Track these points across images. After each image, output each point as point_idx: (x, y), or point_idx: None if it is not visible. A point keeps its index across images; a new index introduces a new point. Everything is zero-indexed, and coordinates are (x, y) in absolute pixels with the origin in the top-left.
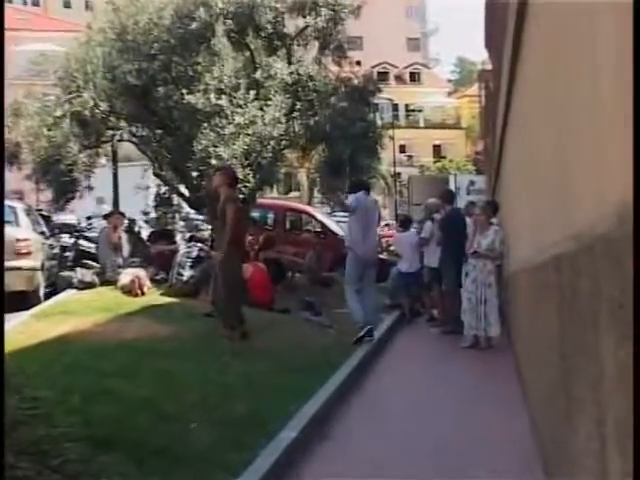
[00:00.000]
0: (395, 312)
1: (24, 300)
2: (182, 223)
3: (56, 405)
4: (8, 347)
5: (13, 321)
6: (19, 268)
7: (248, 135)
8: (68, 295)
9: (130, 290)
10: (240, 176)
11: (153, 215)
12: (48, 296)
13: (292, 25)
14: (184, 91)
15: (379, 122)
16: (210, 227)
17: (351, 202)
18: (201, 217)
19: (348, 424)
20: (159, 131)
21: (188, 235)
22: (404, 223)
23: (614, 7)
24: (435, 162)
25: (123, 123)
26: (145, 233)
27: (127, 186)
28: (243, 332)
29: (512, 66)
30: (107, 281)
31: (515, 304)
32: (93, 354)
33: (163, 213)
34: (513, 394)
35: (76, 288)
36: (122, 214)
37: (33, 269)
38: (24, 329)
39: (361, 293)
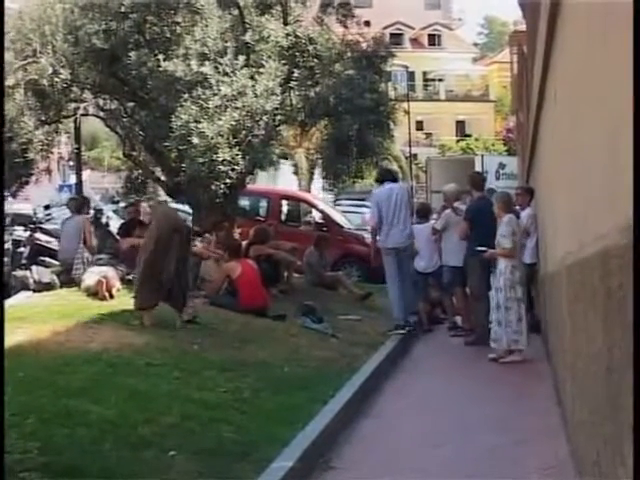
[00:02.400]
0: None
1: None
2: None
3: (9, 428)
4: None
5: None
6: (1, 267)
7: (237, 109)
8: (22, 298)
9: (96, 292)
10: (227, 157)
11: (123, 204)
12: None
13: None
14: (160, 57)
15: (392, 93)
16: (191, 217)
17: (374, 199)
18: (180, 206)
19: (354, 453)
20: (131, 104)
21: None
22: (422, 213)
23: None
24: (458, 141)
25: (88, 94)
26: (114, 225)
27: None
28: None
29: (550, 25)
30: (69, 282)
31: (551, 308)
32: (52, 369)
33: (135, 201)
34: (549, 418)
35: (32, 290)
36: (87, 200)
37: None
38: None
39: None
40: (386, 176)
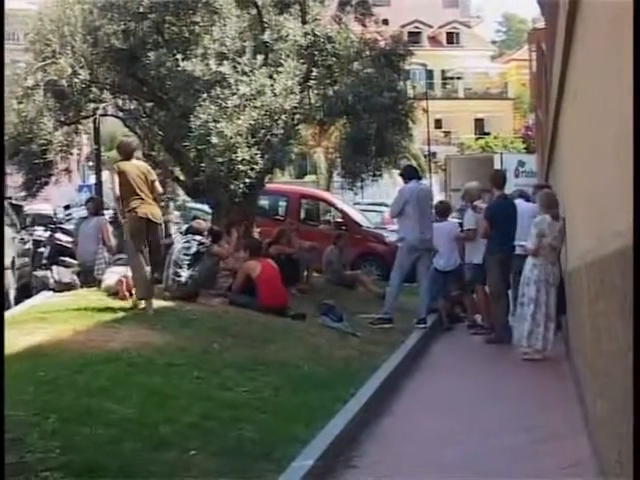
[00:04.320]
0: (430, 317)
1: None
2: (177, 213)
3: (30, 428)
4: None
5: None
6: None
7: (255, 108)
8: (43, 298)
9: (116, 292)
10: (246, 156)
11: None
12: (19, 300)
13: None
14: (179, 56)
15: (410, 92)
16: (211, 217)
17: (404, 194)
18: (200, 206)
19: (375, 452)
20: (149, 104)
21: (185, 227)
22: (442, 211)
23: None
24: (477, 139)
25: (107, 95)
26: None
27: None
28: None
29: (569, 22)
30: (89, 282)
31: (572, 306)
32: (73, 368)
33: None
34: (570, 417)
35: (53, 290)
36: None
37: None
38: None
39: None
40: (412, 173)
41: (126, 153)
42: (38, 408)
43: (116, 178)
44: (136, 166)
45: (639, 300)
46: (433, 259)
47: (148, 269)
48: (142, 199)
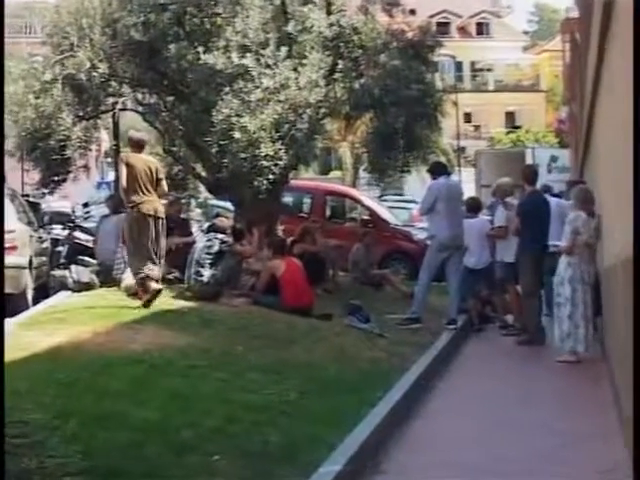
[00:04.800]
0: (460, 317)
1: (9, 305)
2: (199, 210)
3: (50, 431)
4: None
5: None
6: (2, 266)
7: (279, 102)
8: (62, 299)
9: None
10: (270, 152)
11: (163, 201)
12: (37, 300)
13: None
14: (200, 49)
15: (439, 84)
16: (233, 214)
17: (431, 189)
18: (222, 203)
19: (404, 456)
20: (170, 98)
21: (206, 225)
22: (473, 207)
23: None
24: (508, 133)
25: (126, 89)
26: None
27: None
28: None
29: (606, 12)
30: (108, 282)
31: (607, 305)
32: (93, 370)
33: (176, 199)
34: (606, 420)
35: (71, 290)
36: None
37: (19, 267)
38: (10, 340)
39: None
40: (440, 169)
41: (137, 146)
42: (58, 411)
43: (123, 169)
44: (144, 160)
45: (638, 302)
46: (463, 257)
47: (156, 269)
48: (146, 195)
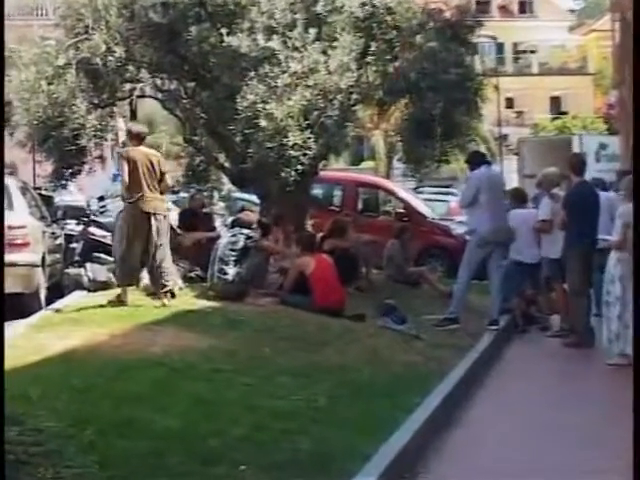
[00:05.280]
0: (503, 318)
1: (20, 305)
2: (222, 204)
3: (66, 440)
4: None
5: (7, 332)
6: (13, 264)
7: (308, 87)
8: (77, 298)
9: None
10: (298, 141)
11: (184, 194)
12: (51, 300)
13: None
14: (223, 31)
15: (479, 68)
16: (259, 208)
17: (472, 180)
18: (247, 196)
19: (443, 466)
20: (191, 84)
21: (230, 219)
22: (518, 197)
23: None
24: (553, 119)
25: (144, 74)
26: (175, 217)
27: None
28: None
29: None
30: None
31: None
32: (110, 375)
33: (197, 191)
34: None
35: (87, 289)
36: None
37: (31, 265)
38: (22, 343)
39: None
40: (480, 159)
41: (137, 139)
42: (73, 418)
43: (124, 165)
44: (146, 154)
45: (638, 302)
46: (506, 253)
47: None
48: (147, 192)
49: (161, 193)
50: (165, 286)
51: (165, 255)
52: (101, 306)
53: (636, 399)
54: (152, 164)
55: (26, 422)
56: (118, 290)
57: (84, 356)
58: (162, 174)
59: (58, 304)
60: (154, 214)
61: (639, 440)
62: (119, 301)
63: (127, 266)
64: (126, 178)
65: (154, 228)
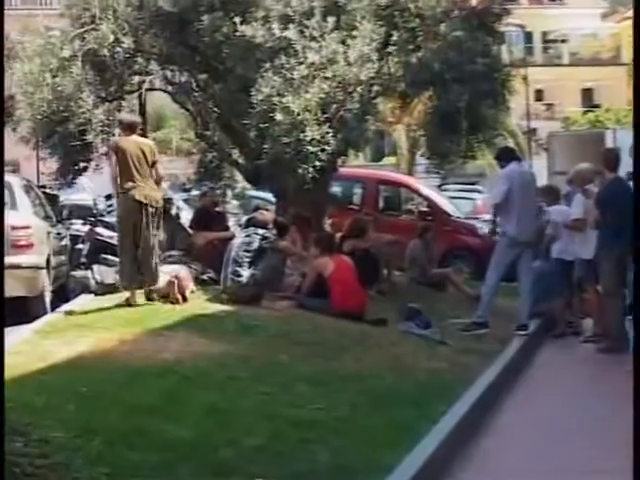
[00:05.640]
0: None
1: (24, 309)
2: (236, 202)
3: (73, 451)
4: (5, 372)
5: (11, 338)
6: (17, 266)
7: (326, 79)
8: (84, 302)
9: (167, 295)
10: (316, 136)
11: (196, 192)
12: (56, 304)
13: None
14: (237, 20)
15: (507, 58)
16: (275, 207)
17: (504, 177)
18: (262, 194)
19: (470, 478)
20: (203, 76)
21: (245, 219)
22: (551, 195)
23: None
24: (585, 113)
25: (154, 66)
26: (186, 217)
27: None
28: None
29: None
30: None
31: None
32: (119, 383)
33: (210, 189)
34: None
35: (94, 293)
36: None
37: (36, 267)
38: (26, 349)
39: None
40: (511, 155)
41: (128, 129)
42: (80, 429)
43: (113, 156)
44: (137, 143)
45: (639, 302)
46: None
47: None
48: (140, 181)
49: (156, 183)
50: (150, 284)
51: (151, 250)
52: (109, 310)
53: (636, 399)
54: (144, 153)
55: (31, 433)
56: (127, 293)
57: (91, 363)
58: (153, 163)
59: (68, 306)
60: (145, 204)
61: (639, 440)
62: (128, 304)
63: (126, 264)
64: (115, 170)
65: (143, 219)
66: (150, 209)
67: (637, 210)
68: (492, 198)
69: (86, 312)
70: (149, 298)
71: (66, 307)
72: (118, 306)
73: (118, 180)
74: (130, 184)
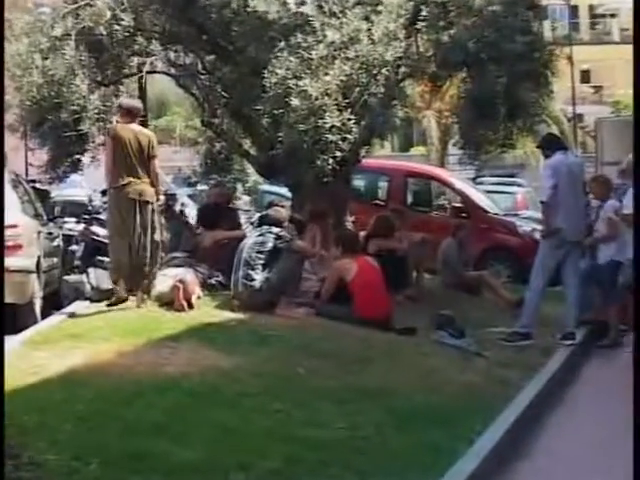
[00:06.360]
0: (580, 330)
1: (12, 318)
2: (247, 198)
3: (68, 475)
4: None
5: None
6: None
7: (348, 60)
8: (78, 310)
9: (171, 301)
10: (337, 123)
11: (203, 187)
12: (48, 312)
13: None
14: None
15: (549, 35)
16: (291, 203)
17: (550, 169)
18: (276, 188)
19: None
20: (210, 57)
21: (257, 216)
22: (601, 186)
23: None
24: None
25: (156, 46)
26: (192, 214)
27: None
28: None
29: None
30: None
31: None
32: (119, 400)
33: (218, 183)
34: None
35: (89, 299)
36: None
37: (25, 271)
38: (16, 362)
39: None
40: (556, 144)
41: (128, 115)
42: (77, 450)
43: (110, 145)
44: (135, 133)
45: (639, 302)
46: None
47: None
48: (135, 175)
49: (151, 180)
50: (146, 287)
51: (145, 252)
52: (106, 318)
53: (636, 400)
54: (142, 145)
55: (22, 455)
56: (129, 302)
57: (88, 378)
58: (151, 158)
59: (61, 314)
60: (139, 201)
61: (639, 442)
62: (114, 302)
63: (117, 264)
64: (110, 160)
65: (137, 218)
66: (145, 207)
67: (637, 210)
68: (546, 194)
69: (81, 321)
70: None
71: (59, 315)
72: (117, 313)
73: (110, 172)
74: (123, 180)
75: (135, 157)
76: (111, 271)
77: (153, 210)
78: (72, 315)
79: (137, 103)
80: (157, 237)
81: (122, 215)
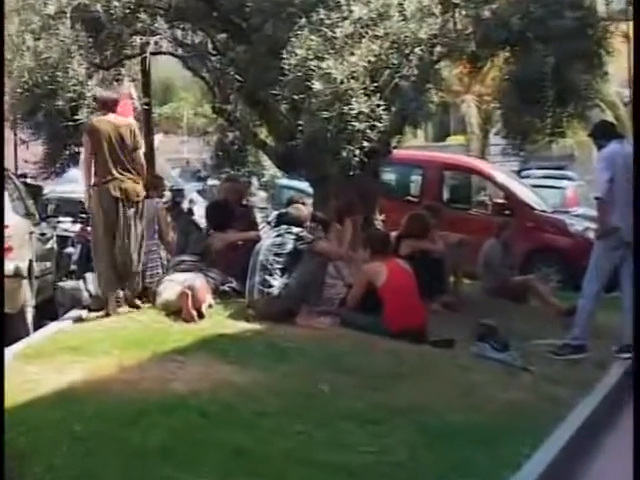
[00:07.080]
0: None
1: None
2: (264, 194)
3: None
4: None
5: None
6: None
7: (376, 38)
8: (75, 320)
9: (179, 310)
10: (364, 109)
11: (213, 182)
12: (41, 323)
13: None
14: None
15: (603, 10)
16: (313, 199)
17: (605, 160)
18: (296, 183)
19: None
20: (222, 36)
21: (275, 214)
22: None
23: None
24: None
25: (161, 23)
26: (201, 211)
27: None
28: None
29: None
30: (139, 295)
31: None
32: (122, 419)
33: (231, 177)
34: None
35: (87, 308)
36: (159, 179)
37: (14, 276)
38: (7, 377)
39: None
40: (610, 132)
41: (105, 107)
42: (74, 476)
43: (87, 140)
44: (115, 125)
45: (639, 302)
46: None
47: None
48: (117, 171)
49: (137, 173)
50: (131, 286)
51: (131, 254)
52: (106, 329)
53: (636, 400)
54: (122, 136)
55: None
56: (127, 308)
57: (87, 395)
58: (134, 150)
59: (56, 325)
60: (122, 199)
61: (639, 441)
62: (106, 314)
63: (102, 269)
64: (89, 158)
65: (120, 218)
66: (129, 205)
67: (637, 210)
68: (601, 182)
69: (78, 332)
70: (131, 305)
71: (53, 326)
72: (119, 324)
73: (92, 169)
74: (105, 176)
75: (117, 151)
76: (98, 283)
77: (138, 211)
78: (68, 326)
79: (112, 94)
80: (141, 241)
81: (105, 219)
